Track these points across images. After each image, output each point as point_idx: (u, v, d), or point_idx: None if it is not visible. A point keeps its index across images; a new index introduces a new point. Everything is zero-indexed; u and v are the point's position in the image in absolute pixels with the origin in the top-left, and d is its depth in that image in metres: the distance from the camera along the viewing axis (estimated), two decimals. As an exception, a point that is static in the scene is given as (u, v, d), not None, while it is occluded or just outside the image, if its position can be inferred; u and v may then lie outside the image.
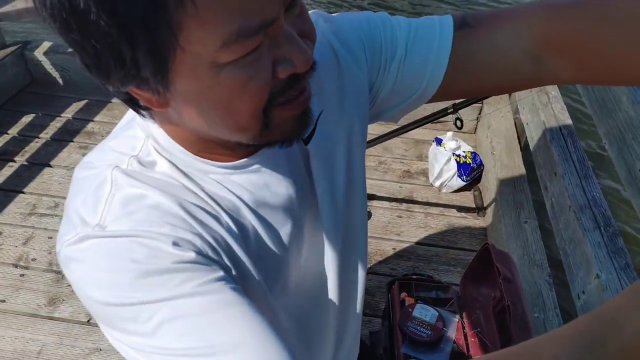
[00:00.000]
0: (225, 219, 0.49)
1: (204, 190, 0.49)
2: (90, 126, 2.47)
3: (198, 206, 0.48)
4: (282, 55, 0.41)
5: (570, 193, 1.41)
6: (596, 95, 1.43)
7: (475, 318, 1.40)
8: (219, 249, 0.47)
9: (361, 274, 0.70)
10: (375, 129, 2.46)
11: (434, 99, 0.59)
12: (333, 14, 0.59)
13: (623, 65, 0.49)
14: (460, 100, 1.46)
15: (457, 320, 1.45)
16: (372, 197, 2.10)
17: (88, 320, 1.64)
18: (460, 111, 1.50)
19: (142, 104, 0.44)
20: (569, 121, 1.68)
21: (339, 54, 0.56)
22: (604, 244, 1.29)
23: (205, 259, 0.45)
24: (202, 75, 0.39)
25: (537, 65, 0.53)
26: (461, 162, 2.10)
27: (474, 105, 1.69)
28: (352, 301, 0.71)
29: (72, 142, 2.38)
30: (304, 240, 0.59)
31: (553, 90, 1.86)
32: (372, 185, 2.17)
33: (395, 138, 1.70)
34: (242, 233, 0.51)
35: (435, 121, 1.55)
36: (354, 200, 0.63)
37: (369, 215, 2.03)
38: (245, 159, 0.51)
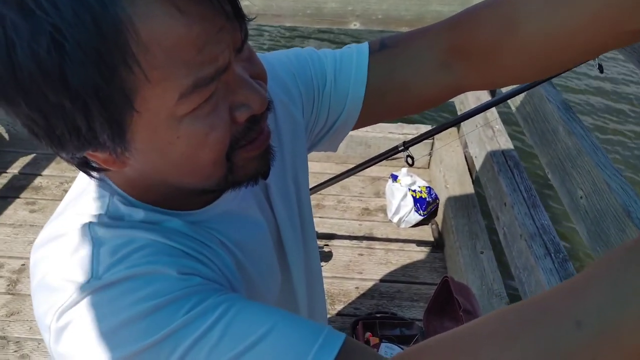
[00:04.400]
0: (215, 248, 0.49)
1: (184, 232, 0.48)
2: (38, 181, 2.38)
3: (186, 240, 0.47)
4: (237, 100, 0.42)
5: (520, 222, 1.46)
6: (536, 127, 1.51)
7: (440, 353, 1.40)
8: (219, 274, 0.47)
9: (323, 300, 0.73)
10: (332, 168, 2.49)
11: (362, 122, 0.62)
12: (265, 54, 0.61)
13: (507, 63, 0.53)
14: (411, 138, 1.51)
15: (422, 356, 1.44)
16: (332, 236, 2.11)
17: None
18: (412, 148, 1.55)
19: (96, 165, 0.43)
20: (514, 153, 1.76)
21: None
22: (556, 270, 1.34)
23: (209, 282, 0.44)
24: (161, 132, 0.40)
25: (450, 74, 0.57)
26: (417, 197, 2.15)
27: (425, 141, 1.75)
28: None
29: (19, 198, 2.28)
30: (275, 268, 0.60)
31: (497, 125, 1.95)
32: (332, 225, 2.17)
33: (353, 176, 1.73)
34: (231, 263, 0.51)
35: (390, 158, 1.59)
36: (307, 229, 0.65)
37: (330, 255, 2.02)
38: (213, 204, 0.51)
